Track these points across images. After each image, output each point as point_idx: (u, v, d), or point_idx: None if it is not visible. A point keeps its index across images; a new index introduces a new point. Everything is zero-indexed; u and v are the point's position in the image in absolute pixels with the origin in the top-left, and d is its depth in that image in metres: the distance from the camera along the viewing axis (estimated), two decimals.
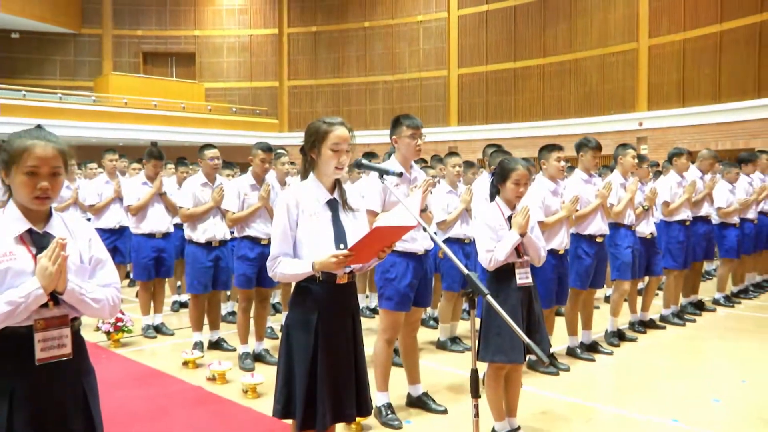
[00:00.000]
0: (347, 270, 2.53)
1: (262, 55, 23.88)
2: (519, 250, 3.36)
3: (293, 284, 2.60)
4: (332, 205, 2.57)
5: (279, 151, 5.59)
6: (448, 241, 5.34)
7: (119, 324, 5.45)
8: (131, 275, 8.07)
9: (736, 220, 7.08)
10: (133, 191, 5.78)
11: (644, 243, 5.75)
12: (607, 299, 7.25)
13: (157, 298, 6.08)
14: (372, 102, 22.63)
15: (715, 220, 6.94)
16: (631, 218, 5.51)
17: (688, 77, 16.26)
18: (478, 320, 3.31)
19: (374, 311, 6.66)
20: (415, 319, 4.03)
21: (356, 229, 2.56)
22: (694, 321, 6.43)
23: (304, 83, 23.62)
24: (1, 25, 21.50)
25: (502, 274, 3.35)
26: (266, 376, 4.22)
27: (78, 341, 1.98)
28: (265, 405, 3.81)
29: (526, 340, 2.04)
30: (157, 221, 5.83)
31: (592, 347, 5.27)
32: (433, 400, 4.00)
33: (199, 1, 23.89)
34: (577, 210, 4.90)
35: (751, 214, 7.30)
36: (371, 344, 3.71)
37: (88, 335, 4.62)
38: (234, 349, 5.26)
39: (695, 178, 6.46)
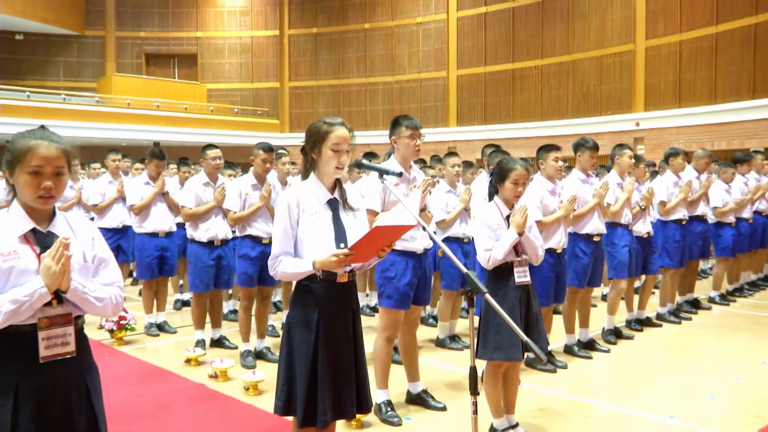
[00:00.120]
0: (347, 269, 2.55)
1: (264, 57, 23.90)
2: (517, 249, 3.39)
3: (294, 283, 2.61)
4: (333, 204, 2.59)
5: (280, 151, 5.62)
6: (447, 240, 5.36)
7: (122, 322, 5.48)
8: (134, 274, 8.12)
9: (731, 219, 7.13)
10: (135, 191, 5.82)
11: (641, 242, 5.79)
12: (604, 297, 7.28)
13: (160, 297, 6.10)
14: (372, 103, 22.67)
15: (711, 219, 6.98)
16: (628, 217, 5.55)
17: (685, 78, 16.33)
18: (476, 318, 3.35)
19: (374, 309, 6.69)
20: (414, 317, 4.06)
21: (356, 228, 2.57)
22: (690, 319, 6.47)
23: (304, 84, 23.65)
24: (6, 27, 21.52)
25: (501, 273, 3.38)
26: (267, 373, 4.24)
27: (81, 339, 1.99)
28: (267, 402, 3.86)
29: (525, 337, 2.04)
30: (160, 220, 5.86)
31: (590, 345, 5.31)
32: (433, 397, 4.03)
33: (201, 3, 23.91)
34: (574, 209, 4.94)
35: (747, 214, 7.35)
36: (371, 342, 3.73)
37: (92, 333, 4.67)
38: (236, 347, 5.29)
39: (691, 177, 6.49)
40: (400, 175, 2.64)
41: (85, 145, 18.70)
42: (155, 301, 6.08)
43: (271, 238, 3.49)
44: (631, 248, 5.56)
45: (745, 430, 3.64)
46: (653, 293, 6.53)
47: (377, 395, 3.74)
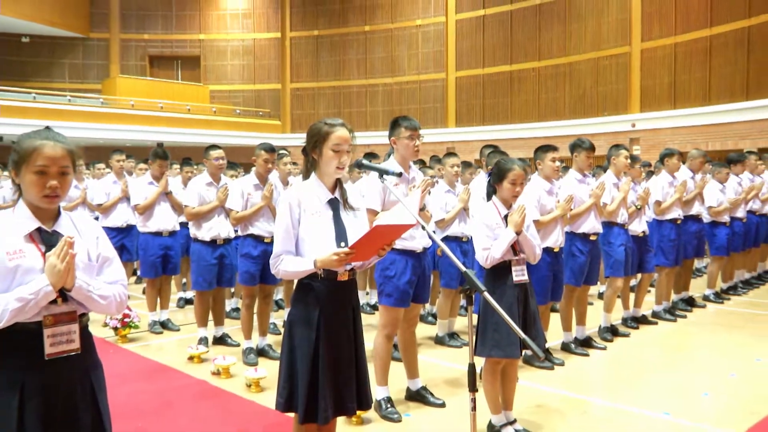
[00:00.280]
0: (348, 267, 2.56)
1: (266, 59, 23.95)
2: (515, 248, 3.42)
3: (295, 281, 2.64)
4: (333, 204, 2.60)
5: (281, 151, 5.67)
6: (446, 240, 5.40)
7: (126, 320, 5.51)
8: (138, 272, 8.16)
9: (726, 218, 7.18)
10: (139, 191, 5.86)
11: (637, 241, 5.84)
12: (600, 296, 7.31)
13: (164, 295, 6.15)
14: (372, 104, 22.71)
15: (705, 218, 7.03)
16: (624, 217, 5.59)
17: (679, 80, 16.41)
18: (475, 316, 3.39)
19: (374, 307, 6.73)
20: (413, 315, 4.09)
21: (357, 227, 2.60)
22: (684, 317, 6.51)
23: (306, 85, 23.70)
24: (12, 30, 21.60)
25: (499, 272, 3.40)
26: (269, 370, 4.26)
27: (86, 336, 2.00)
28: (268, 399, 3.91)
29: (522, 335, 2.04)
30: (164, 220, 5.91)
31: (586, 342, 5.36)
32: (432, 394, 4.06)
33: (204, 5, 23.96)
34: (571, 209, 4.98)
35: (741, 213, 7.40)
36: (371, 340, 3.77)
37: (96, 331, 4.71)
38: (238, 345, 5.33)
39: (686, 177, 6.53)
40: (399, 175, 2.67)
41: (89, 145, 18.75)
42: (159, 299, 6.12)
43: (272, 237, 3.54)
44: (627, 247, 5.60)
45: (738, 426, 3.68)
46: (649, 291, 6.58)
47: (377, 392, 3.77)
